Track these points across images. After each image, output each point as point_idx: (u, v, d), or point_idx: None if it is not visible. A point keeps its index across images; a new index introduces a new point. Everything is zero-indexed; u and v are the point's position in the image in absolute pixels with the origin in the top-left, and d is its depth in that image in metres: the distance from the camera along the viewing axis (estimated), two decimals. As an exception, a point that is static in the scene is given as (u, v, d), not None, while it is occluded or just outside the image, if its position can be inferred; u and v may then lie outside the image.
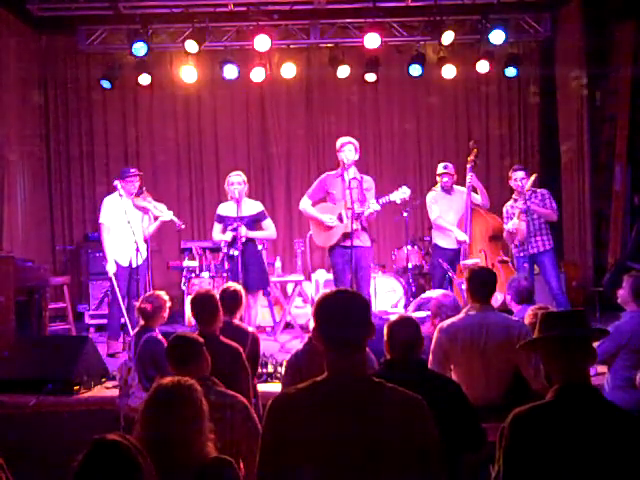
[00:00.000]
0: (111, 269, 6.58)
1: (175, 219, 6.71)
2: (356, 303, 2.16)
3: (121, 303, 6.52)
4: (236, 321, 4.55)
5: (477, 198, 7.01)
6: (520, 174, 6.62)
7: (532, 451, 2.11)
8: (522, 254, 6.64)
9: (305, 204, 6.38)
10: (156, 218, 6.74)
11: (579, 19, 8.16)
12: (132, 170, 6.88)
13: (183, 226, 6.84)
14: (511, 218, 6.67)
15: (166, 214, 6.70)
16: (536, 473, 2.11)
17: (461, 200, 6.97)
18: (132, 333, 4.73)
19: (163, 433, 2.34)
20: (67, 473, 1.89)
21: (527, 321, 4.14)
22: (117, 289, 6.54)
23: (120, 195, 6.66)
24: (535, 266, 6.76)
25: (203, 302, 4.11)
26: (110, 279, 6.60)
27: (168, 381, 2.48)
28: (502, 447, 2.17)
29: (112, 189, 6.82)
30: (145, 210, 6.70)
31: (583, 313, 2.44)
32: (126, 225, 6.55)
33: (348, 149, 6.11)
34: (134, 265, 6.65)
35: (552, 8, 8.53)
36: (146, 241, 6.72)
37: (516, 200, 6.68)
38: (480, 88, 9.37)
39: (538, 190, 6.78)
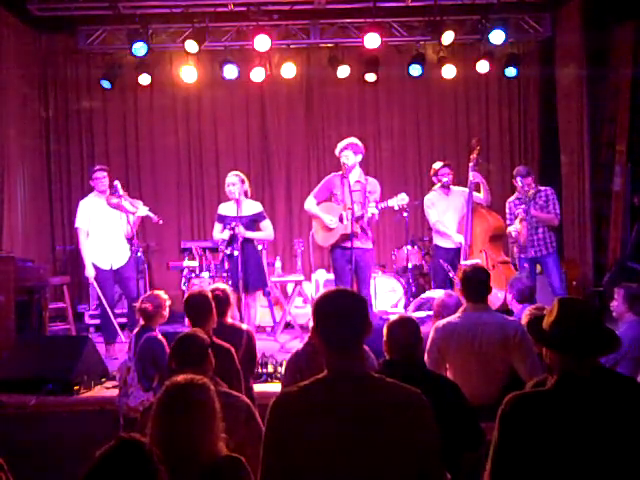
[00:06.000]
0: (90, 273, 6.54)
1: (150, 214, 6.62)
2: (353, 302, 2.17)
3: (106, 306, 6.48)
4: (229, 320, 4.54)
5: (479, 196, 6.95)
6: (529, 180, 6.57)
7: (524, 436, 2.11)
8: (523, 255, 6.63)
9: (310, 204, 6.36)
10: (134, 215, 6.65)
11: (579, 19, 8.14)
12: (97, 167, 6.82)
13: (161, 222, 6.76)
14: (514, 216, 6.65)
15: (141, 210, 6.59)
16: (527, 459, 2.10)
17: (459, 200, 6.93)
18: (132, 333, 4.72)
19: (177, 431, 2.35)
20: (81, 466, 1.90)
21: (524, 321, 4.14)
22: (100, 293, 6.51)
23: (96, 196, 6.61)
24: (537, 266, 6.76)
25: (197, 303, 4.09)
26: (91, 284, 6.57)
27: (182, 379, 2.49)
28: (496, 429, 2.17)
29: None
30: (121, 208, 6.54)
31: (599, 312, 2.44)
32: (104, 226, 6.51)
33: (345, 155, 6.10)
34: (115, 267, 6.60)
35: (552, 8, 8.52)
36: (129, 240, 6.62)
37: (519, 199, 6.66)
38: (480, 88, 9.36)
39: (542, 188, 6.74)
